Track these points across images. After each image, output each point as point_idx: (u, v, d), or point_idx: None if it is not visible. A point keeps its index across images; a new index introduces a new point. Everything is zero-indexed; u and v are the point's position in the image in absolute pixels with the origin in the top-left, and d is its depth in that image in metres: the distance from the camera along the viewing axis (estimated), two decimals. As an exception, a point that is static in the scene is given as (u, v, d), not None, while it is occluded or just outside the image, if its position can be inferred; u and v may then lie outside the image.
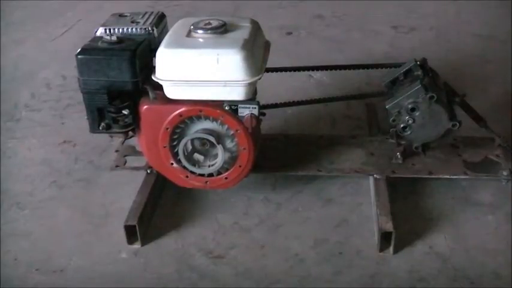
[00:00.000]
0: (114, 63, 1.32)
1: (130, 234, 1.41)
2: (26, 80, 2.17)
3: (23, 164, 1.74)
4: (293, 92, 1.94)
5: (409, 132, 1.46)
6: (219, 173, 1.44)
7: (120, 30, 1.40)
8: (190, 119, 1.38)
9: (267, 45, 1.48)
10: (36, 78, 2.18)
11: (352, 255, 1.38)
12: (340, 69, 1.66)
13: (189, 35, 1.36)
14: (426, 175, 1.51)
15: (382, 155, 1.56)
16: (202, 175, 1.44)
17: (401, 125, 1.46)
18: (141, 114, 1.39)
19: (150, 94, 1.39)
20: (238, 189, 1.52)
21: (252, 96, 1.38)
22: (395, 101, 1.46)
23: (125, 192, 1.54)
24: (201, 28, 1.36)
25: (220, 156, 1.40)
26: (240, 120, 1.37)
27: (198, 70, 1.31)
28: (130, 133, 1.45)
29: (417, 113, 1.43)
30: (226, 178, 1.44)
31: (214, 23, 1.36)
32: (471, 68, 2.14)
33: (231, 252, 1.40)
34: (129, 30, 1.40)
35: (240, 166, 1.43)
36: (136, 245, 1.42)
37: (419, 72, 1.47)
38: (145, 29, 1.40)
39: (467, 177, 1.50)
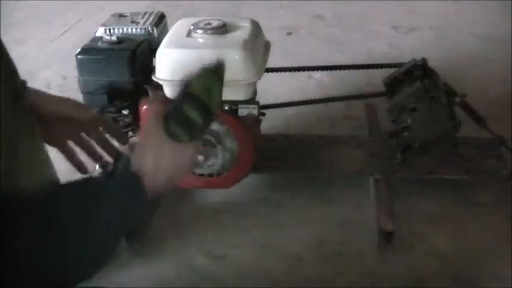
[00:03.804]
0: (114, 63, 1.32)
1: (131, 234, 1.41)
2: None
3: (23, 164, 1.74)
4: (293, 92, 1.94)
5: (409, 133, 1.46)
6: (219, 173, 1.44)
7: (120, 30, 1.40)
8: (190, 119, 1.38)
9: (267, 45, 1.48)
10: (36, 78, 2.18)
11: (353, 255, 1.38)
12: (340, 69, 1.67)
13: (189, 35, 1.36)
14: (426, 175, 1.51)
15: (382, 155, 1.56)
16: (202, 175, 1.44)
17: (402, 126, 1.46)
18: (141, 114, 1.39)
19: (150, 94, 1.39)
20: (238, 189, 1.52)
21: (252, 96, 1.38)
22: (396, 102, 1.46)
23: (125, 192, 1.54)
24: (201, 28, 1.36)
25: (220, 156, 1.40)
26: (240, 120, 1.38)
27: (198, 70, 1.31)
28: (130, 133, 1.45)
29: (417, 114, 1.44)
30: (226, 178, 1.44)
31: (215, 23, 1.36)
32: (471, 68, 2.14)
33: (231, 252, 1.40)
34: (129, 30, 1.40)
35: (240, 166, 1.43)
36: (137, 245, 1.41)
37: (419, 73, 1.47)
38: (145, 29, 1.40)
39: (467, 177, 1.50)
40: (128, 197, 0.84)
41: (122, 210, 0.83)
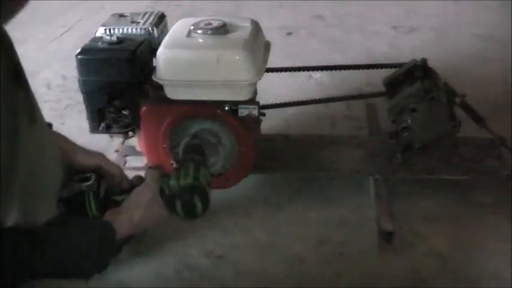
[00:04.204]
0: (114, 63, 1.32)
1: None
2: (26, 80, 2.17)
3: (23, 164, 1.74)
4: (293, 92, 1.94)
5: (409, 133, 1.46)
6: (219, 173, 1.44)
7: (120, 30, 1.40)
8: (191, 119, 1.38)
9: (267, 45, 1.48)
10: (36, 78, 2.18)
11: (353, 255, 1.38)
12: (340, 69, 1.66)
13: (189, 35, 1.36)
14: (426, 175, 1.51)
15: (382, 155, 1.56)
16: (203, 175, 1.44)
17: (402, 126, 1.46)
18: (141, 114, 1.39)
19: (150, 94, 1.39)
20: (239, 189, 1.52)
21: (252, 97, 1.38)
22: (396, 102, 1.46)
23: (125, 192, 1.54)
24: (201, 28, 1.36)
25: (220, 157, 1.40)
26: (240, 120, 1.38)
27: (198, 70, 1.31)
28: (130, 133, 1.45)
29: (417, 114, 1.43)
30: (226, 178, 1.44)
31: (215, 23, 1.36)
32: (471, 68, 2.14)
33: (231, 252, 1.40)
34: (129, 30, 1.40)
35: (240, 166, 1.43)
36: (136, 245, 1.41)
37: (419, 73, 1.47)
38: (145, 29, 1.40)
39: (467, 177, 1.50)
40: (96, 234, 1.03)
41: (94, 243, 1.01)
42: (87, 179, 1.16)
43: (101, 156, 1.24)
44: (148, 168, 1.31)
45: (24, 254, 0.87)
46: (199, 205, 1.11)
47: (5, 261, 0.84)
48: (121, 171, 1.24)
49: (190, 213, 1.13)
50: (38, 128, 1.00)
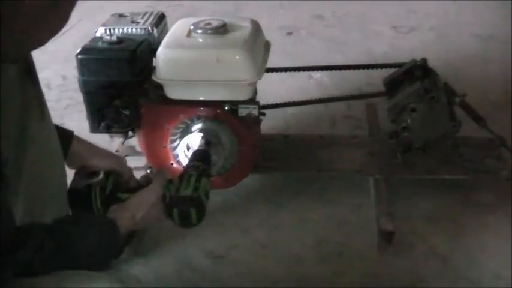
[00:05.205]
0: (114, 63, 1.32)
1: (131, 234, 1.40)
2: (26, 80, 2.17)
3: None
4: (293, 92, 1.94)
5: (409, 133, 1.46)
6: (219, 173, 1.43)
7: (120, 30, 1.40)
8: (190, 119, 1.38)
9: (267, 45, 1.48)
10: (36, 78, 2.18)
11: (353, 255, 1.38)
12: (340, 69, 1.67)
13: (189, 35, 1.36)
14: (426, 175, 1.51)
15: (382, 155, 1.56)
16: (203, 175, 1.44)
17: (402, 126, 1.46)
18: (141, 114, 1.39)
19: (150, 94, 1.39)
20: (239, 189, 1.52)
21: (252, 96, 1.38)
22: (396, 102, 1.46)
23: (125, 192, 1.54)
24: (201, 28, 1.36)
25: (220, 156, 1.40)
26: (240, 120, 1.37)
27: (198, 70, 1.31)
28: (130, 133, 1.45)
29: (417, 114, 1.43)
30: (226, 178, 1.44)
31: (215, 23, 1.36)
32: (471, 68, 2.14)
33: (231, 252, 1.40)
34: (129, 30, 1.40)
35: (240, 166, 1.43)
36: (137, 245, 1.41)
37: (419, 73, 1.47)
38: (145, 29, 1.40)
39: (467, 177, 1.50)
40: (103, 231, 1.04)
41: (100, 237, 1.02)
42: (96, 174, 1.20)
43: (115, 159, 1.27)
44: (156, 171, 1.33)
45: (50, 249, 0.89)
46: (194, 216, 1.15)
47: (32, 254, 0.86)
48: (131, 173, 1.28)
49: (186, 222, 1.16)
50: (46, 126, 1.01)
